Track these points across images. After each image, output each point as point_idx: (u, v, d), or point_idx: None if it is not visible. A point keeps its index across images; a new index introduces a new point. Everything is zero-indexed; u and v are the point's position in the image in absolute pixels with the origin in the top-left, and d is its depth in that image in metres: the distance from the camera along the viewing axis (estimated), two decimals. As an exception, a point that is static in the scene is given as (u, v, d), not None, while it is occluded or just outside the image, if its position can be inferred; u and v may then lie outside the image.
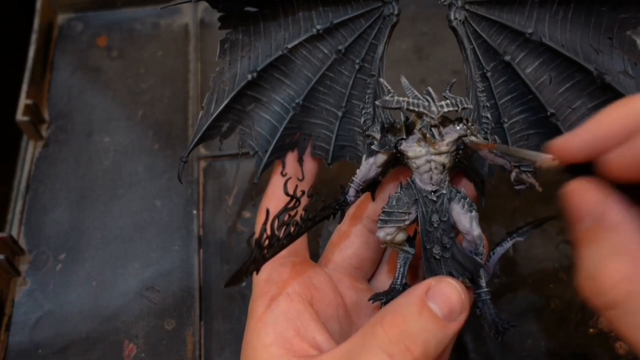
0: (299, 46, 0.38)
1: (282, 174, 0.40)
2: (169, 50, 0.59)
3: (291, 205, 0.32)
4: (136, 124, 0.54)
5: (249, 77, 0.37)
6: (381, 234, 0.35)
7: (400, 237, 0.35)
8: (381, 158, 0.35)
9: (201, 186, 0.51)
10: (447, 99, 0.32)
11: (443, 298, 0.30)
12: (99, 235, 0.48)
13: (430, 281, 0.31)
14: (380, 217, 0.34)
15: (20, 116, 0.52)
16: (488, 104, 0.37)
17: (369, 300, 0.36)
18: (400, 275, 0.36)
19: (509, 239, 0.37)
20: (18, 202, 0.50)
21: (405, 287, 0.36)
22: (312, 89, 0.39)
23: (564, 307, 0.45)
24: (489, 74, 0.37)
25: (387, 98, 0.33)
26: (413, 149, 0.33)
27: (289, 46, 0.37)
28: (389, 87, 0.33)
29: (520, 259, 0.47)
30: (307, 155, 0.40)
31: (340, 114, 0.39)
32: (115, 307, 0.45)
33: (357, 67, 0.38)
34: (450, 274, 0.34)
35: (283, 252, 0.37)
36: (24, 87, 0.53)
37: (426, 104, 0.32)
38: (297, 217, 0.32)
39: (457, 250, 0.34)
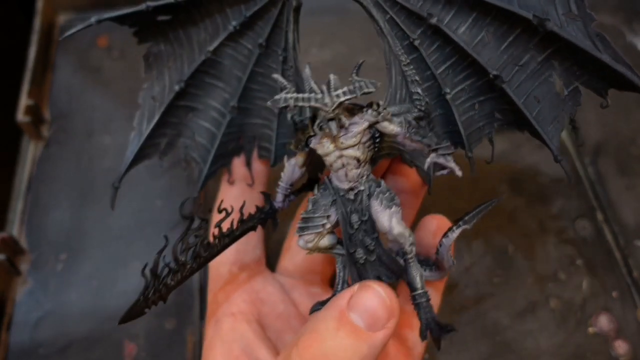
0: (222, 46, 0.35)
1: (229, 182, 0.38)
2: (170, 51, 0.59)
3: (196, 226, 0.30)
4: (137, 124, 0.54)
5: (177, 87, 0.35)
6: (301, 242, 0.32)
7: (326, 242, 0.32)
8: (300, 158, 0.33)
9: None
10: (352, 83, 0.28)
11: (365, 307, 0.28)
12: (100, 235, 0.48)
13: (353, 289, 0.29)
14: (298, 224, 0.31)
15: (21, 116, 0.52)
16: (417, 78, 0.32)
17: (310, 313, 0.33)
18: (341, 281, 0.33)
19: (454, 228, 0.33)
20: (19, 202, 0.50)
21: None
22: (245, 89, 0.36)
23: (564, 307, 0.45)
24: (417, 42, 0.32)
25: (275, 97, 0.29)
26: (321, 145, 0.30)
27: (211, 49, 0.35)
28: (284, 82, 0.29)
29: (520, 258, 0.47)
30: (255, 158, 0.38)
31: (276, 110, 0.36)
32: (116, 306, 0.45)
33: (281, 58, 0.35)
34: (379, 279, 0.31)
35: (232, 269, 0.37)
36: (25, 87, 0.53)
37: (319, 96, 0.28)
38: (210, 237, 0.31)
39: (382, 252, 0.31)
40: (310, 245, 0.32)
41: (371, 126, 0.30)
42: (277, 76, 0.30)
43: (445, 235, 0.33)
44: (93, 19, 0.31)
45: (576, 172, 0.51)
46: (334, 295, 0.32)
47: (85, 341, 0.44)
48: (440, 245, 0.33)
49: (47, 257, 0.47)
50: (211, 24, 0.34)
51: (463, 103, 0.33)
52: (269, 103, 0.29)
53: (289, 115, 0.34)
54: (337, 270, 0.33)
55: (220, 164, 0.38)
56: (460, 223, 0.33)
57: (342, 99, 0.28)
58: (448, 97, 0.32)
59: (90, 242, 0.48)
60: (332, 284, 0.41)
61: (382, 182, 0.31)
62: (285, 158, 0.33)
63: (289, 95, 0.28)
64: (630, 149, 0.52)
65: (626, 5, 0.60)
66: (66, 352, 0.43)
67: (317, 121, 0.29)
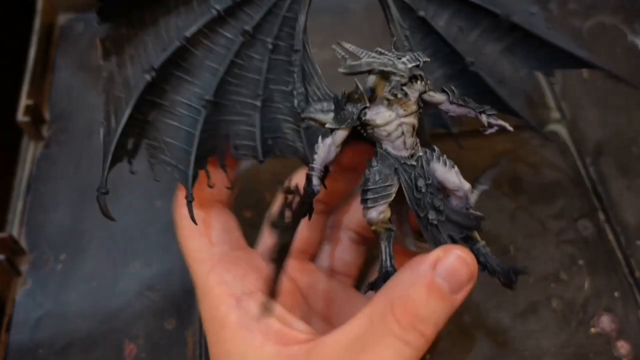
0: (197, 34, 0.32)
1: (209, 185, 0.35)
2: (170, 51, 0.59)
3: (290, 200, 0.29)
4: (137, 124, 0.54)
5: (147, 77, 0.31)
6: (374, 214, 0.32)
7: (389, 213, 0.32)
8: (341, 135, 0.32)
9: (202, 186, 0.51)
10: (405, 55, 0.30)
11: (452, 272, 0.29)
12: (100, 235, 0.48)
13: (438, 254, 0.30)
14: (368, 197, 0.31)
15: (20, 116, 0.52)
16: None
17: (365, 292, 0.34)
18: (388, 257, 0.33)
19: (474, 191, 0.35)
20: (19, 202, 0.50)
21: (395, 268, 0.33)
22: (222, 82, 0.34)
23: (565, 307, 0.44)
24: (407, 33, 0.36)
25: (352, 63, 0.29)
26: (382, 115, 0.31)
27: (188, 34, 0.32)
28: (350, 48, 0.30)
29: (521, 258, 0.47)
30: (229, 159, 0.36)
31: (258, 103, 0.34)
32: (116, 306, 0.45)
33: (270, 47, 0.34)
34: (450, 237, 0.32)
35: (223, 248, 0.36)
36: (25, 88, 0.53)
37: (391, 62, 0.29)
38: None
39: (450, 211, 0.32)
40: (382, 216, 0.32)
41: (420, 96, 0.32)
42: (342, 43, 0.30)
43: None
44: None
45: (577, 172, 0.51)
46: (384, 271, 0.32)
47: (85, 341, 0.44)
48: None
49: (46, 257, 0.47)
50: (186, 8, 0.32)
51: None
52: (342, 70, 0.30)
53: (296, 101, 0.34)
54: (382, 247, 0.33)
55: (201, 165, 0.35)
56: (477, 185, 0.35)
57: (410, 65, 0.30)
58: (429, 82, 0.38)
59: (90, 243, 0.48)
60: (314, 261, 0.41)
61: (436, 148, 0.33)
62: (320, 139, 0.32)
63: (371, 60, 0.29)
64: (632, 148, 0.52)
65: (627, 5, 0.60)
66: (66, 353, 0.43)
67: (388, 87, 0.30)
